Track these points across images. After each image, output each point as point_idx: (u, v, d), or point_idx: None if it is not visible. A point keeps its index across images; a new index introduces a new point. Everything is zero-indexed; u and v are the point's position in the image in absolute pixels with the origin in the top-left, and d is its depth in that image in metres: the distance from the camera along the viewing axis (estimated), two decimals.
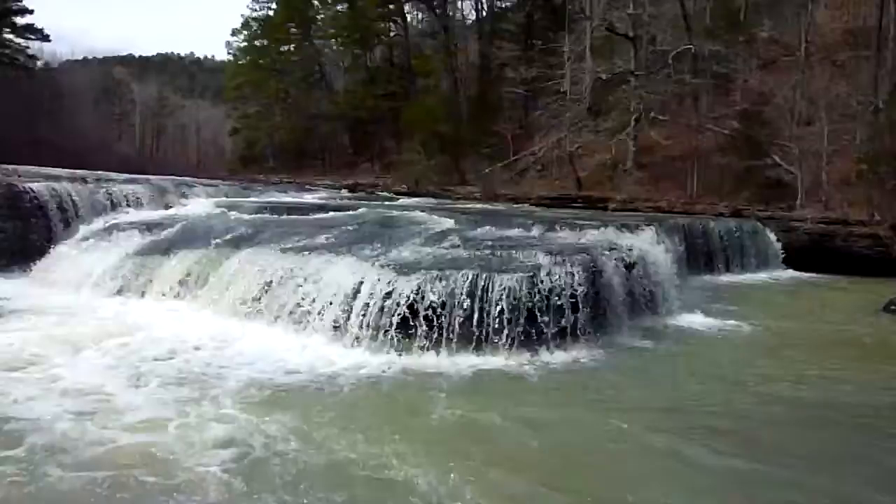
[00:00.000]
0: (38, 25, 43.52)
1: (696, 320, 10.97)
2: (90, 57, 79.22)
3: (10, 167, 18.14)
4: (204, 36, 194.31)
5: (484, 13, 40.45)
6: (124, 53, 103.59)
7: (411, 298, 8.53)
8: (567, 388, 7.54)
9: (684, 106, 27.14)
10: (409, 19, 43.75)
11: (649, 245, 12.53)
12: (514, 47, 35.06)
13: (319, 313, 8.95)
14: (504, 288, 8.61)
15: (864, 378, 8.30)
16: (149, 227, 12.86)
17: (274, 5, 47.34)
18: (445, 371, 7.80)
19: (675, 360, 8.85)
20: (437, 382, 7.44)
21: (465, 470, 5.29)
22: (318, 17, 46.96)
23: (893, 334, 11.04)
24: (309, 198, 23.18)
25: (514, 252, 9.96)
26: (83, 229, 13.60)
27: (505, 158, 29.45)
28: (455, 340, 8.37)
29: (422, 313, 8.45)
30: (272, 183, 33.20)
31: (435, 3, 39.35)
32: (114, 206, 15.24)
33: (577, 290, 8.97)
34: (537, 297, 8.72)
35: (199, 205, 16.99)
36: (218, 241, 11.56)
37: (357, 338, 8.47)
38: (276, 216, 15.02)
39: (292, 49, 47.56)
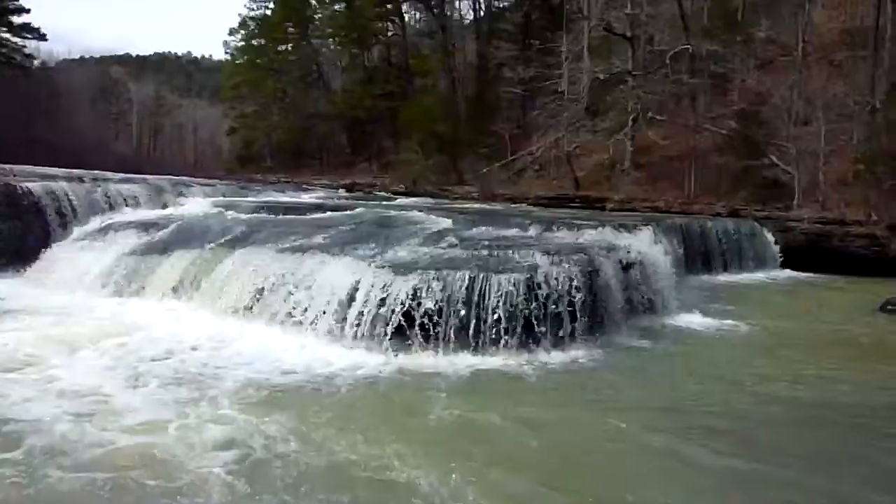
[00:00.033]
0: (35, 24, 43.48)
1: (693, 320, 10.99)
2: (87, 56, 79.01)
3: (7, 167, 18.09)
4: (201, 35, 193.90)
5: (482, 13, 40.45)
6: (121, 53, 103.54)
7: (409, 298, 8.52)
8: (565, 388, 7.54)
9: (682, 106, 27.15)
10: (406, 19, 43.75)
11: (647, 245, 12.55)
12: (511, 47, 35.03)
13: (316, 313, 8.94)
14: (501, 288, 8.61)
15: (861, 378, 8.31)
16: (146, 226, 12.84)
17: (271, 5, 47.27)
18: (443, 371, 7.80)
19: (673, 360, 8.85)
20: (435, 382, 7.44)
21: (466, 470, 5.29)
22: (316, 16, 46.89)
23: (890, 334, 11.05)
24: (306, 197, 23.18)
25: (511, 252, 9.95)
26: (80, 229, 13.58)
27: (503, 158, 29.45)
28: (452, 340, 8.37)
29: (419, 313, 8.45)
30: (270, 182, 33.13)
31: (433, 2, 39.33)
32: (111, 206, 15.22)
33: (574, 291, 8.97)
34: (535, 297, 8.72)
35: (196, 204, 16.96)
36: (215, 240, 11.56)
37: (354, 338, 8.46)
38: (273, 216, 15.01)
39: (290, 48, 47.48)
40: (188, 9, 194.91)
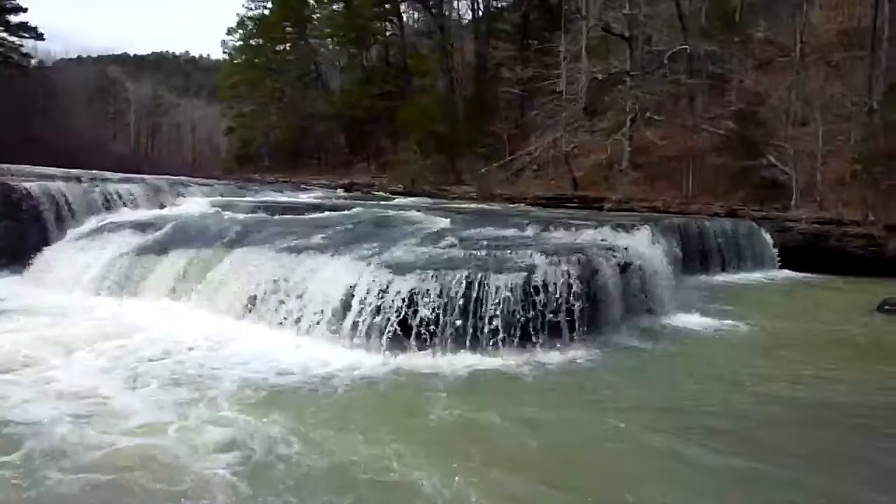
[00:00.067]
0: (33, 24, 43.28)
1: (691, 320, 10.99)
2: (84, 56, 79.01)
3: (4, 166, 18.07)
4: (199, 35, 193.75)
5: (480, 13, 40.43)
6: (119, 52, 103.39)
7: (407, 299, 8.52)
8: (564, 388, 7.54)
9: (680, 106, 27.18)
10: (405, 19, 43.75)
11: (645, 245, 12.55)
12: (510, 47, 35.05)
13: (314, 314, 8.93)
14: (499, 288, 8.60)
15: (860, 378, 8.32)
16: (143, 226, 12.83)
17: (270, 4, 47.19)
18: (441, 371, 7.79)
19: (671, 360, 8.85)
20: (434, 383, 7.43)
21: (468, 471, 5.29)
22: (314, 16, 46.86)
23: (888, 334, 11.06)
24: (305, 197, 23.17)
25: (509, 252, 9.94)
26: (78, 229, 13.57)
27: (501, 158, 29.46)
28: (450, 341, 8.36)
29: (417, 314, 8.44)
30: (268, 182, 33.08)
31: (431, 2, 39.33)
32: (108, 206, 15.21)
33: (572, 291, 8.96)
34: (533, 297, 8.71)
35: (194, 204, 16.96)
36: (213, 240, 11.55)
37: (352, 338, 8.45)
38: (271, 216, 15.00)
39: (288, 48, 47.42)
40: (186, 8, 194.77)
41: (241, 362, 7.85)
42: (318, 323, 8.81)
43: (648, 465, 5.66)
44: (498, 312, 8.47)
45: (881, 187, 18.48)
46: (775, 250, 18.34)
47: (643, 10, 26.10)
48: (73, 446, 5.45)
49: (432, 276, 8.73)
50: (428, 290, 8.57)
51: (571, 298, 8.92)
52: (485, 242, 11.01)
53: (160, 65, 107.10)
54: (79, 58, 74.20)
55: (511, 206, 23.81)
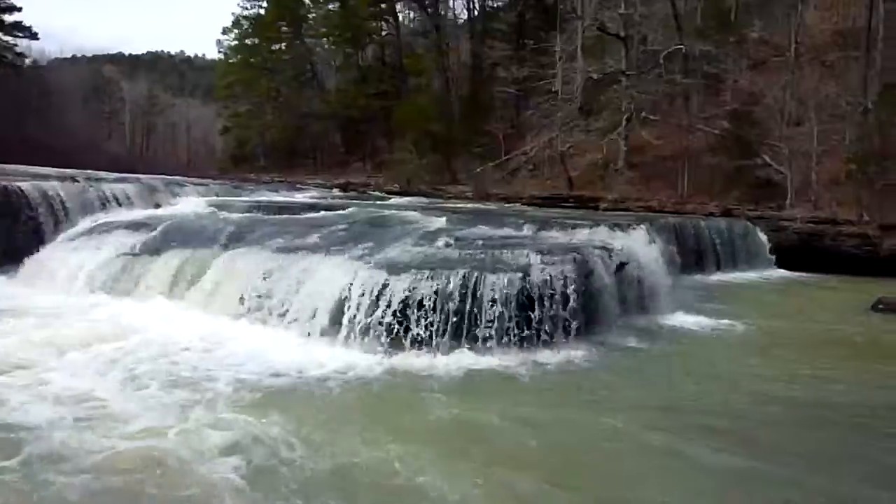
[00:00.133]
0: (27, 23, 43.20)
1: (687, 320, 11.00)
2: (79, 55, 78.86)
3: None
4: (194, 34, 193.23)
5: (475, 12, 40.47)
6: (114, 52, 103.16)
7: (402, 298, 8.50)
8: (561, 388, 7.53)
9: (675, 106, 27.23)
10: (400, 18, 43.70)
11: (641, 245, 12.56)
12: (505, 47, 35.09)
13: (310, 313, 8.91)
14: (495, 288, 8.59)
15: (857, 377, 8.34)
16: (138, 226, 12.77)
17: (265, 4, 47.05)
18: (438, 371, 7.78)
19: (668, 360, 8.86)
20: (430, 383, 7.42)
21: (470, 471, 5.30)
22: (310, 15, 46.78)
23: (883, 333, 11.10)
24: (300, 197, 23.11)
25: (505, 252, 9.93)
26: (72, 229, 13.49)
27: (496, 158, 29.48)
28: (446, 340, 8.35)
29: (413, 313, 8.43)
30: (263, 182, 33.02)
31: (427, 2, 39.31)
32: (103, 206, 15.14)
33: (568, 290, 8.97)
34: (529, 297, 8.71)
35: (189, 204, 16.90)
36: (208, 240, 11.51)
37: (348, 338, 8.43)
38: (266, 215, 14.97)
39: (283, 48, 47.34)
40: (181, 8, 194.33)
41: (238, 363, 7.80)
42: (314, 323, 8.79)
43: (648, 464, 5.66)
44: (494, 312, 8.46)
45: (876, 187, 18.55)
46: (770, 249, 18.40)
47: (638, 10, 26.15)
48: (73, 450, 5.38)
49: (428, 276, 8.72)
50: (424, 290, 8.55)
51: (568, 298, 8.91)
52: (481, 242, 11.01)
53: (155, 64, 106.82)
54: (73, 57, 74.11)
55: (507, 205, 23.81)
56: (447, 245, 10.80)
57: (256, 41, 47.50)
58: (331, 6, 44.75)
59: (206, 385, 7.04)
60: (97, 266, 11.38)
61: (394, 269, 9.02)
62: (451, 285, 8.60)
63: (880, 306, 12.65)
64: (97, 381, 7.02)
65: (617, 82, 26.28)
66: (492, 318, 8.45)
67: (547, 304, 8.76)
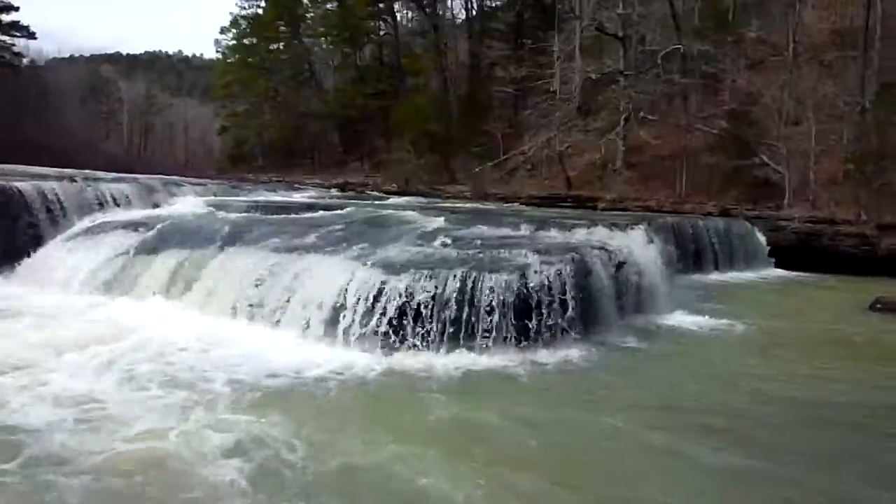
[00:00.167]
0: (24, 23, 43.20)
1: (686, 319, 11.01)
2: (77, 55, 78.65)
3: None
4: (192, 34, 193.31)
5: (474, 12, 40.47)
6: (112, 51, 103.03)
7: (400, 298, 8.49)
8: (560, 388, 7.53)
9: (673, 106, 27.24)
10: (398, 18, 43.69)
11: (639, 244, 12.54)
12: (503, 46, 35.07)
13: (308, 313, 8.88)
14: (494, 287, 8.58)
15: (855, 377, 8.36)
16: (136, 226, 12.73)
17: (263, 3, 47.03)
18: (436, 371, 7.77)
19: (667, 360, 8.86)
20: (429, 383, 7.41)
21: (472, 471, 5.30)
22: (308, 15, 46.73)
23: (882, 333, 11.10)
24: (298, 197, 23.08)
25: (503, 251, 9.93)
26: (70, 229, 13.45)
27: (495, 157, 29.46)
28: (445, 340, 8.34)
29: (411, 313, 8.42)
30: (261, 182, 33.00)
31: (425, 1, 39.30)
32: (101, 206, 15.09)
33: (566, 290, 8.96)
34: (527, 297, 8.70)
35: (187, 204, 16.86)
36: (206, 240, 11.47)
37: (346, 338, 8.41)
38: (264, 215, 14.94)
39: (281, 47, 47.30)
40: (179, 7, 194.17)
41: (236, 363, 7.77)
42: (311, 323, 8.77)
43: (648, 463, 5.66)
44: (492, 312, 8.45)
45: (873, 186, 18.57)
46: (768, 249, 18.42)
47: (637, 10, 26.15)
48: (74, 452, 5.35)
49: (426, 276, 8.71)
50: (422, 290, 8.54)
51: (566, 298, 8.91)
52: (479, 242, 10.99)
53: (153, 64, 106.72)
54: (71, 57, 73.91)
55: (505, 205, 23.81)
56: (445, 245, 10.79)
57: (254, 41, 47.46)
58: (329, 6, 44.74)
59: (205, 386, 7.02)
60: (95, 266, 11.36)
61: (392, 268, 9.01)
62: (449, 285, 8.58)
63: (878, 306, 12.66)
64: (96, 381, 6.99)
65: (615, 82, 26.27)
66: (490, 318, 8.43)
67: (545, 304, 8.75)
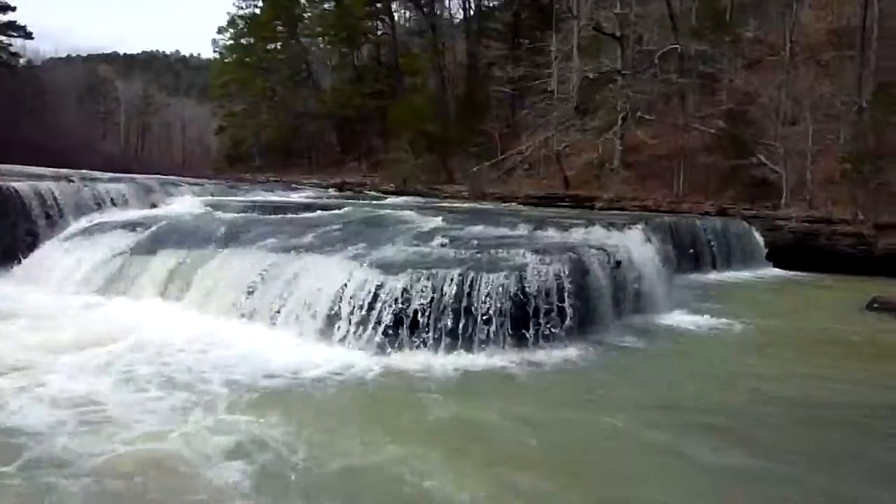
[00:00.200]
0: (21, 23, 43.07)
1: (684, 319, 11.02)
2: (74, 55, 78.51)
3: None
4: (190, 34, 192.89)
5: (471, 12, 40.43)
6: (109, 51, 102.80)
7: (398, 298, 8.49)
8: (558, 387, 7.53)
9: (671, 105, 27.25)
10: (396, 18, 43.67)
11: (637, 244, 12.56)
12: (501, 46, 35.04)
13: (306, 313, 8.88)
14: (492, 287, 8.59)
15: (853, 376, 8.37)
16: (133, 226, 12.71)
17: (260, 3, 46.94)
18: (434, 371, 7.77)
19: (665, 359, 8.88)
20: (427, 383, 7.41)
21: (473, 471, 5.31)
22: (305, 15, 46.67)
23: (879, 332, 11.13)
24: (296, 197, 23.07)
25: (501, 251, 9.94)
26: (67, 229, 13.43)
27: (492, 157, 29.46)
28: (443, 340, 8.34)
29: (409, 313, 8.42)
30: (258, 182, 32.93)
31: (422, 1, 39.29)
32: (98, 206, 15.05)
33: (564, 289, 8.96)
34: (525, 296, 8.71)
35: (184, 204, 16.84)
36: (203, 240, 11.46)
37: (344, 338, 8.41)
38: (262, 215, 14.93)
39: (279, 47, 47.21)
40: (177, 7, 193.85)
41: (235, 364, 7.75)
42: (309, 323, 8.77)
43: (648, 462, 5.67)
44: (490, 312, 8.46)
45: (870, 186, 18.61)
46: (765, 249, 18.46)
47: (634, 10, 26.16)
48: (74, 454, 5.32)
49: (424, 276, 8.71)
50: (420, 290, 8.54)
51: (564, 297, 8.91)
52: (476, 242, 11.00)
53: (150, 64, 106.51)
54: (68, 57, 73.77)
55: (503, 205, 23.82)
56: (443, 245, 10.79)
57: (252, 40, 47.37)
58: (326, 5, 44.68)
59: (204, 387, 7.00)
60: (92, 266, 11.33)
61: (390, 268, 9.01)
62: (446, 285, 8.58)
63: (875, 305, 12.69)
64: (94, 383, 6.96)
65: (613, 82, 26.28)
66: (488, 317, 8.44)
67: (543, 303, 8.75)
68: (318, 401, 6.83)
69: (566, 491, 5.14)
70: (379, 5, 41.84)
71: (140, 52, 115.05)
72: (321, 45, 46.99)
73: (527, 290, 8.75)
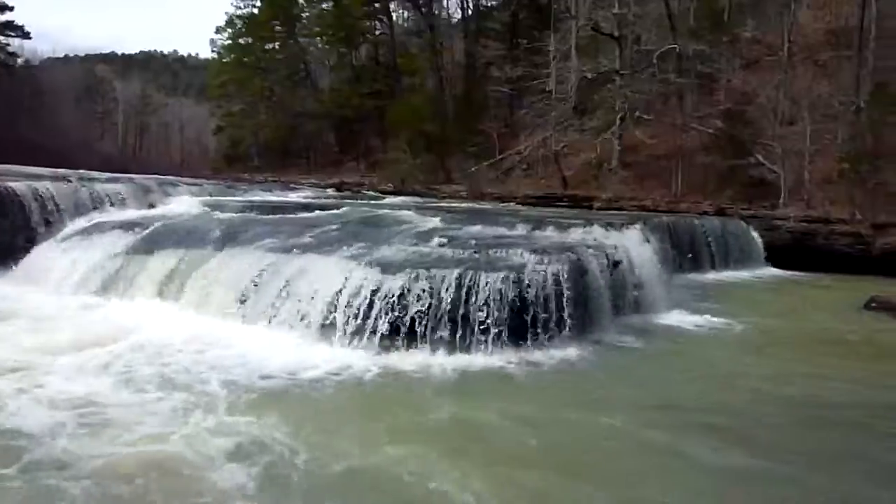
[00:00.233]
0: (19, 22, 43.07)
1: (682, 318, 11.03)
2: (72, 55, 78.40)
3: None
4: (188, 34, 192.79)
5: (469, 12, 40.39)
6: (107, 51, 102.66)
7: (397, 298, 8.49)
8: (557, 387, 7.53)
9: (669, 105, 27.27)
10: (394, 18, 43.64)
11: (635, 243, 12.57)
12: (499, 46, 35.04)
13: (304, 313, 8.88)
14: (490, 287, 8.59)
15: (852, 375, 8.39)
16: (131, 226, 12.68)
17: (258, 3, 46.92)
18: (432, 371, 7.77)
19: (664, 359, 8.88)
20: (426, 383, 7.42)
21: (472, 471, 5.30)
22: (303, 15, 46.64)
23: (876, 332, 11.15)
24: (294, 197, 23.05)
25: (500, 251, 9.94)
26: (65, 229, 13.42)
27: (491, 157, 29.45)
28: (441, 340, 8.34)
29: (408, 312, 8.42)
30: (257, 182, 32.89)
31: (421, 1, 39.28)
32: (96, 206, 15.03)
33: (563, 289, 8.96)
34: (523, 296, 8.71)
35: (182, 204, 16.81)
36: (201, 240, 11.45)
37: (342, 338, 8.41)
38: (260, 215, 14.90)
39: (277, 47, 47.17)
40: (175, 7, 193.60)
41: (234, 365, 7.75)
42: (308, 323, 8.76)
43: (647, 462, 5.68)
44: (488, 312, 8.46)
45: (868, 186, 18.63)
46: (763, 249, 18.47)
47: (632, 10, 26.16)
48: (74, 456, 5.30)
49: (422, 276, 8.71)
50: (418, 290, 8.54)
51: (562, 297, 8.91)
52: (475, 242, 10.98)
53: (148, 64, 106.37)
54: (66, 57, 73.70)
55: (501, 205, 23.81)
56: (441, 245, 10.78)
57: (250, 40, 47.32)
58: (324, 5, 44.64)
59: (203, 387, 6.99)
60: (90, 266, 11.31)
61: (388, 268, 9.00)
62: (445, 285, 8.58)
63: (873, 305, 12.71)
64: (93, 384, 6.94)
65: (611, 82, 26.30)
66: (486, 317, 8.44)
67: (541, 303, 8.76)
68: (317, 401, 6.83)
69: (566, 491, 5.15)
70: (377, 5, 41.83)
71: (138, 51, 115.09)
72: (319, 45, 46.94)
73: (525, 290, 8.74)
